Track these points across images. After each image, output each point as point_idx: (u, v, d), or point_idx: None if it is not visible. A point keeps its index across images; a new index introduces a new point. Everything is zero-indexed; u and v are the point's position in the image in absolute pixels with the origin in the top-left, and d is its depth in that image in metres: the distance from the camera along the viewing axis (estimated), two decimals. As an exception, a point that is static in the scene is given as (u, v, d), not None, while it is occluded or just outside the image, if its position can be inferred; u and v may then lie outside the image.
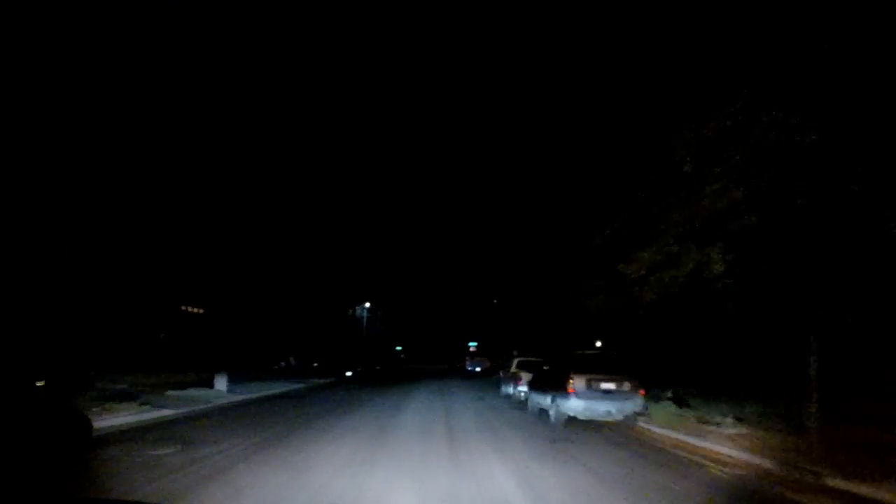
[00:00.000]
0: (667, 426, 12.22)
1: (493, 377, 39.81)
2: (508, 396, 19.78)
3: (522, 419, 14.26)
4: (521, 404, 17.60)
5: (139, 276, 45.50)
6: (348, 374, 35.49)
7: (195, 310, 60.30)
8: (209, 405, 16.88)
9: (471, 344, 75.56)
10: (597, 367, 12.43)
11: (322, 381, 32.07)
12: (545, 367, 15.68)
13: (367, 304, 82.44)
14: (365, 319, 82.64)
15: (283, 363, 48.79)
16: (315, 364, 33.69)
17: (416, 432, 11.62)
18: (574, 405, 11.97)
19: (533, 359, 20.09)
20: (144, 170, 39.83)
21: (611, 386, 12.17)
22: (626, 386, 12.28)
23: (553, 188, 20.77)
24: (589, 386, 12.04)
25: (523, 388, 17.57)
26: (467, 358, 46.68)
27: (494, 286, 68.93)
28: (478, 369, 44.71)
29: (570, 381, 12.05)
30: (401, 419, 13.87)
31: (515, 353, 59.46)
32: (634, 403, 12.33)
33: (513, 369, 19.48)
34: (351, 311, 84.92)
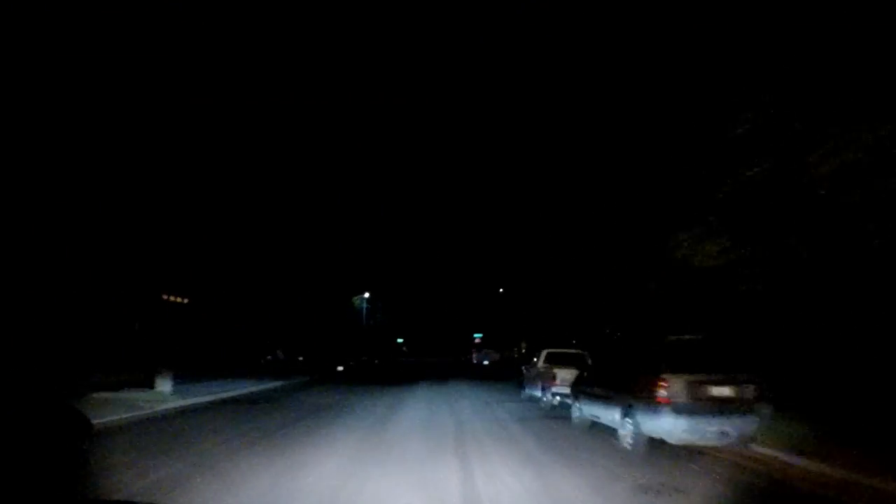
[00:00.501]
0: (810, 453, 7.53)
1: (503, 371, 35.19)
2: (535, 399, 15.11)
3: (570, 440, 9.57)
4: (555, 411, 12.99)
5: (113, 259, 41.18)
6: (339, 368, 30.91)
7: (178, 299, 55.88)
8: (132, 414, 12.32)
9: (476, 335, 71.58)
10: (702, 361, 7.72)
11: (306, 378, 27.51)
12: (597, 362, 11.04)
13: (367, 295, 78.16)
14: (364, 310, 78.46)
15: (269, 357, 44.27)
16: (300, 358, 29.25)
17: (409, 479, 6.96)
18: (669, 425, 7.29)
19: (567, 350, 15.45)
20: (133, 153, 36.41)
21: (726, 391, 7.49)
22: (749, 391, 7.60)
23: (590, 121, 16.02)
24: (693, 393, 7.35)
25: (561, 391, 12.90)
26: (474, 350, 41.98)
27: (500, 275, 65.61)
28: (485, 362, 40.06)
29: (662, 384, 7.36)
30: (387, 446, 9.22)
31: (523, 343, 54.85)
32: (756, 418, 7.66)
33: (541, 364, 14.78)
34: (350, 302, 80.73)
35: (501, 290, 65.50)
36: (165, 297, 55.86)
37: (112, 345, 35.91)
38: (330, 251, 71.52)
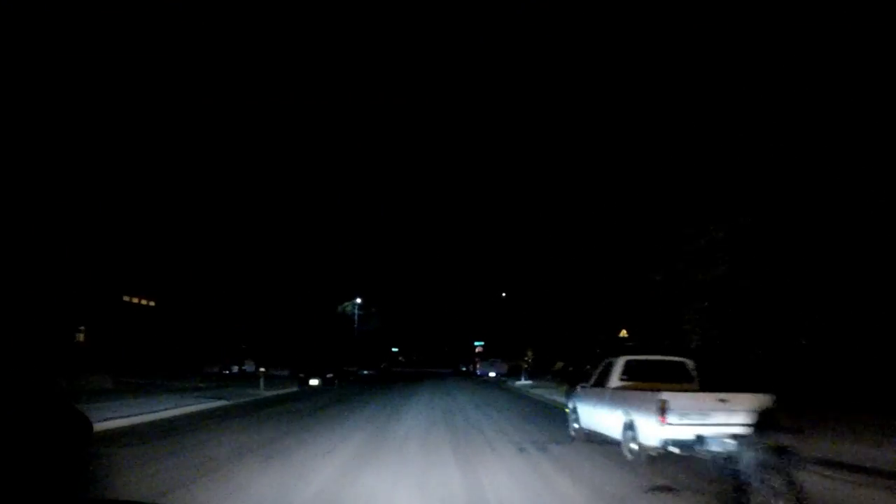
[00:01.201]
0: None
1: (511, 384, 28.51)
2: (601, 439, 8.78)
3: None
4: (662, 469, 6.76)
5: (65, 252, 35.28)
6: (314, 382, 24.54)
7: (144, 301, 49.62)
8: None
9: (476, 343, 65.44)
10: None
11: (267, 394, 21.19)
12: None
13: (359, 300, 72.05)
14: (356, 317, 72.31)
15: (235, 368, 37.86)
16: (262, 369, 23.25)
17: None
18: None
19: (658, 357, 9.17)
20: (106, 145, 33.66)
21: None
22: None
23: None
24: None
25: (679, 434, 6.56)
26: (478, 360, 35.35)
27: (502, 278, 60.77)
28: (492, 374, 33.44)
29: None
30: None
31: (530, 352, 48.31)
32: None
33: (616, 382, 8.44)
34: (342, 307, 74.69)
35: (504, 293, 60.12)
36: (128, 298, 49.37)
37: (45, 351, 29.56)
38: (324, 253, 65.91)
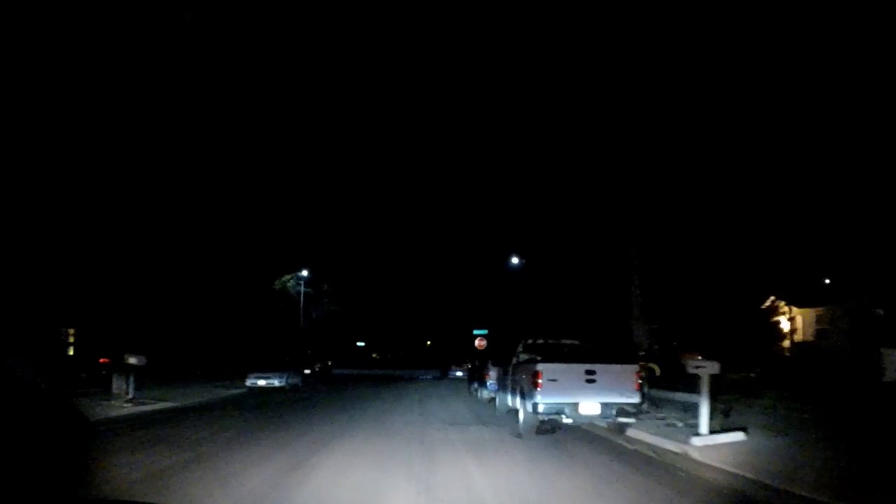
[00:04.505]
0: None
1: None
2: None
3: None
4: None
5: None
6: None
7: None
8: None
9: (477, 332, 46.72)
10: None
11: None
12: None
13: (305, 273, 52.04)
14: (302, 297, 53.72)
15: None
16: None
17: None
18: None
19: None
20: None
21: None
22: None
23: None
24: None
25: None
26: (534, 361, 12.31)
27: (511, 242, 42.54)
28: (592, 411, 10.25)
29: None
30: None
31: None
32: None
33: None
34: (280, 283, 55.94)
35: (516, 259, 41.33)
36: None
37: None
38: (260, 212, 46.86)
